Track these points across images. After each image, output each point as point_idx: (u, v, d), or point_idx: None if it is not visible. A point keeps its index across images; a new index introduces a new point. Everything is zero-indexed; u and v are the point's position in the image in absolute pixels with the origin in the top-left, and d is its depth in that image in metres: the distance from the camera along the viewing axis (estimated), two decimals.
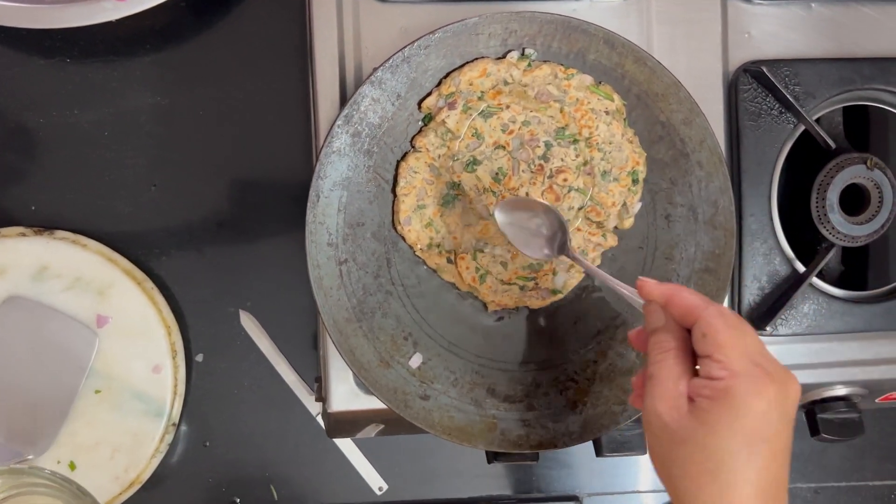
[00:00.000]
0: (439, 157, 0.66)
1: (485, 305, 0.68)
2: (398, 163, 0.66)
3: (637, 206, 0.68)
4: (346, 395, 0.70)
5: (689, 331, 0.51)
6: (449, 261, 0.67)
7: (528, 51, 0.66)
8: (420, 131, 0.66)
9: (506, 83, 0.65)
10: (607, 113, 0.66)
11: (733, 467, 0.46)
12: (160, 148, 0.80)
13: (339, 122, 0.63)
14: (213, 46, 0.81)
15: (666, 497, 0.88)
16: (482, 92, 0.65)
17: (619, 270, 0.69)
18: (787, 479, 0.49)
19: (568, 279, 0.69)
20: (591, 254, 0.68)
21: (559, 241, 0.63)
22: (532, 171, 0.66)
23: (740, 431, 0.46)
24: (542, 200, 0.64)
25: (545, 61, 0.66)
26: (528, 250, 0.63)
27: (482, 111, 0.65)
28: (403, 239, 0.67)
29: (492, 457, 0.70)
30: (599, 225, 0.68)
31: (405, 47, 0.63)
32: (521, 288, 0.68)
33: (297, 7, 0.80)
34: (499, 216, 0.63)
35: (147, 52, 0.80)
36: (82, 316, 0.76)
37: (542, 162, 0.66)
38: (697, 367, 0.50)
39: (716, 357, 0.48)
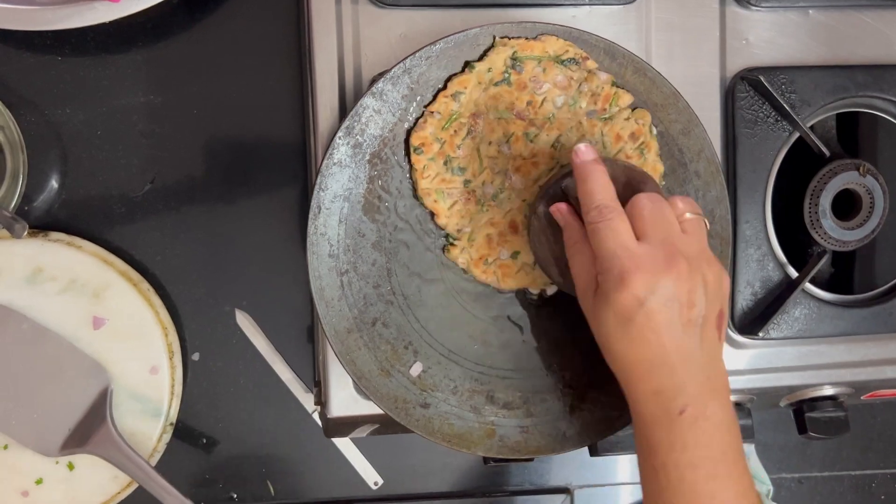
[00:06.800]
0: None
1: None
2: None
3: None
4: (345, 400, 0.70)
5: None
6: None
7: None
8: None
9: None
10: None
11: None
12: (153, 147, 0.79)
13: (340, 134, 0.63)
14: (206, 44, 0.79)
15: None
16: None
17: None
18: None
19: None
20: None
21: None
22: None
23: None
24: None
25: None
26: None
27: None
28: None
29: (488, 459, 0.71)
30: None
31: (406, 58, 0.63)
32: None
33: (290, 4, 0.79)
34: None
35: (139, 50, 0.78)
36: (78, 318, 0.76)
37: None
38: None
39: None
